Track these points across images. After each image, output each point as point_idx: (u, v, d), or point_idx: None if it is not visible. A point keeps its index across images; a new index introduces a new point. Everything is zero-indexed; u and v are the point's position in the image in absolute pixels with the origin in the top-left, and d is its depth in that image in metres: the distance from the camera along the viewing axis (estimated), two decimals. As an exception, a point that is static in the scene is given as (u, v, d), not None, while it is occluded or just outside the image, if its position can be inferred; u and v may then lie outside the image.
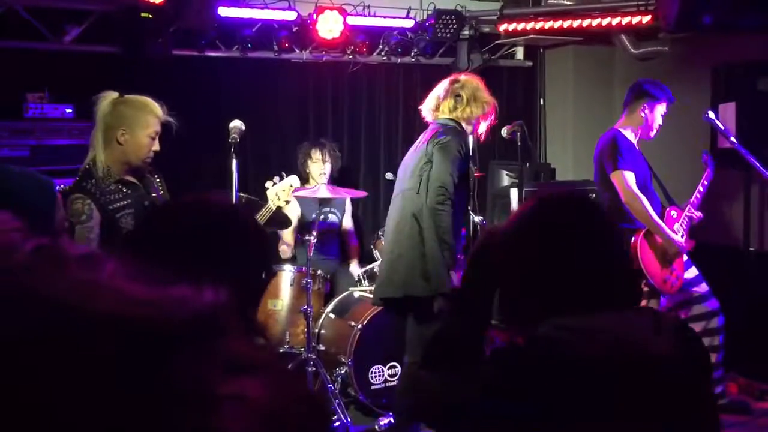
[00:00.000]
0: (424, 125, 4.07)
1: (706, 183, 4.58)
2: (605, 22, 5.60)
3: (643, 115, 4.36)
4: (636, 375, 1.38)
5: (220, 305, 0.52)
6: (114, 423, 0.45)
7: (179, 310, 0.50)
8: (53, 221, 2.15)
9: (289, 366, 4.43)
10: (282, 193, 3.93)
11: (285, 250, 5.32)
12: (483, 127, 3.90)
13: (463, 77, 3.94)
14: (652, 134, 4.43)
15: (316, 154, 5.36)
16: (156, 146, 3.20)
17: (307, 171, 5.38)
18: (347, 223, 5.67)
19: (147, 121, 3.15)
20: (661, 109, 4.37)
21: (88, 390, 0.45)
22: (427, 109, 3.96)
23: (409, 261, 3.70)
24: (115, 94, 3.19)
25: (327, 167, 5.37)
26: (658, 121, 4.39)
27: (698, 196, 4.54)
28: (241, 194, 3.97)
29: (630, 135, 4.37)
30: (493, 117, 3.88)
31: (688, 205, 4.48)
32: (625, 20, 5.52)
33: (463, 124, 3.84)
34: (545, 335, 1.42)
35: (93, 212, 3.04)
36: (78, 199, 3.04)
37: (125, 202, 3.12)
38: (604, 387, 1.36)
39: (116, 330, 0.47)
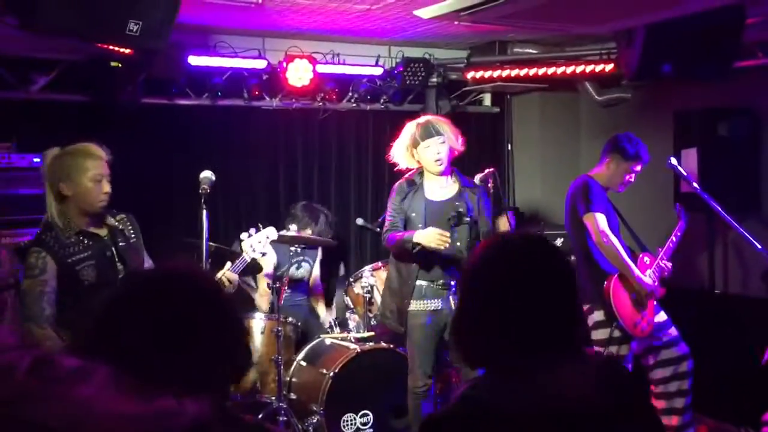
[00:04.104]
0: (394, 171, 4.13)
1: (678, 234, 4.63)
2: (569, 70, 5.73)
3: (609, 168, 4.43)
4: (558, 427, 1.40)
5: (203, 416, 0.53)
6: None
7: (168, 426, 0.51)
8: None
9: (260, 415, 4.36)
10: (258, 245, 3.92)
11: (261, 301, 5.27)
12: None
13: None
14: (617, 188, 4.46)
15: (312, 227, 5.41)
16: (107, 188, 3.15)
17: (290, 227, 5.37)
18: (317, 270, 5.65)
19: (84, 165, 3.11)
20: (625, 166, 4.37)
21: None
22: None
23: None
24: (56, 151, 3.16)
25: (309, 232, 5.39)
26: (623, 177, 4.40)
27: (671, 245, 4.58)
28: (211, 243, 3.95)
29: (601, 183, 4.42)
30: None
31: (661, 254, 4.52)
32: (589, 68, 5.66)
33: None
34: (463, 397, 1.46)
35: (47, 266, 3.04)
36: (33, 253, 3.05)
37: (85, 254, 3.11)
38: None
39: None
